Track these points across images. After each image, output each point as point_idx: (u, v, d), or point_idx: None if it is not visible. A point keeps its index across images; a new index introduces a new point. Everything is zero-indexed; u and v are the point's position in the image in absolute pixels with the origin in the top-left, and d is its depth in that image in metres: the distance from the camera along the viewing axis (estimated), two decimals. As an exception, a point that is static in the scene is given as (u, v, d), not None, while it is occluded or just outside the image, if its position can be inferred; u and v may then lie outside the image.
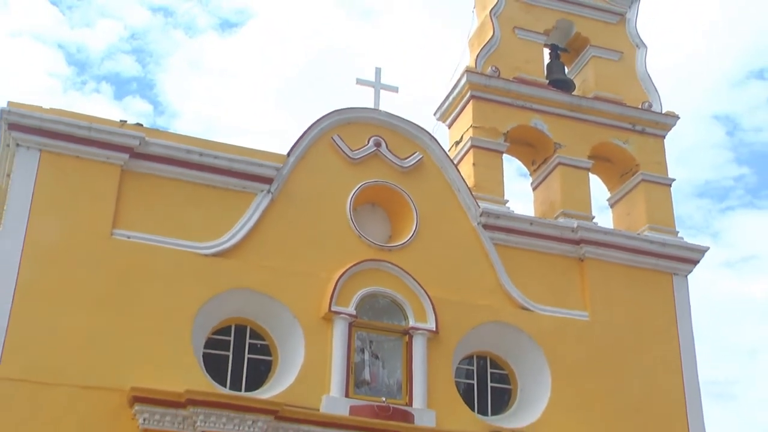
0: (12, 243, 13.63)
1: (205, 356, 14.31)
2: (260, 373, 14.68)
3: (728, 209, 52.88)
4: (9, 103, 14.05)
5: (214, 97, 53.59)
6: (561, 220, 16.83)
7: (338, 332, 14.62)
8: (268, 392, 14.20)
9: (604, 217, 18.18)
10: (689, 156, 48.43)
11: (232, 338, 14.72)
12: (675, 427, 15.96)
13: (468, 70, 17.46)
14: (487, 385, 15.86)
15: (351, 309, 14.76)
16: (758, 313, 52.28)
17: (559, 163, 17.46)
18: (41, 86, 48.62)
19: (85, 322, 13.53)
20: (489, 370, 15.96)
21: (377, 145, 16.12)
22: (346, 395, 14.38)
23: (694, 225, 50.16)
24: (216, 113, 52.39)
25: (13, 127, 14.06)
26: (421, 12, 50.85)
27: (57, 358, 13.18)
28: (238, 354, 14.67)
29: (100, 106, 47.51)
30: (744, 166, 53.36)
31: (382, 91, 16.76)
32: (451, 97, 17.90)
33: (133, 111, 50.28)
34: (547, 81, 18.21)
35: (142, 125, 15.06)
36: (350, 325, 14.76)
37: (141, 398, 13.04)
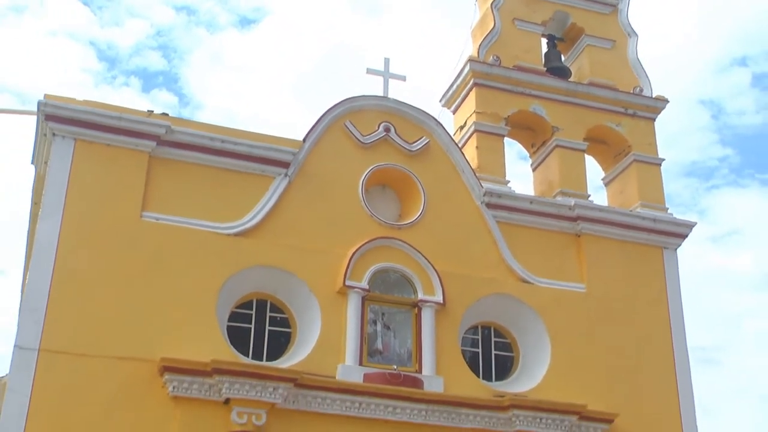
0: (50, 225, 13.74)
1: (229, 329, 14.42)
2: (280, 344, 14.77)
3: (713, 188, 53.10)
4: (45, 95, 14.12)
5: (234, 89, 53.78)
6: (559, 199, 16.90)
7: (352, 305, 14.73)
8: (287, 361, 14.32)
9: (599, 196, 18.29)
10: (677, 138, 48.60)
11: (253, 312, 14.79)
12: (665, 390, 16.08)
13: (471, 60, 17.53)
14: (491, 353, 15.93)
15: (364, 283, 14.86)
16: (741, 284, 52.58)
17: (557, 146, 17.54)
18: (75, 81, 49.00)
19: (118, 298, 13.65)
20: (493, 339, 16.03)
21: (387, 130, 16.17)
22: (360, 364, 14.48)
23: (683, 203, 50.42)
24: (236, 105, 52.62)
25: (49, 117, 14.14)
26: (425, 6, 50.97)
27: (93, 332, 13.32)
28: (259, 326, 14.75)
29: (129, 99, 47.81)
30: (728, 148, 53.56)
31: (390, 80, 16.77)
32: (455, 85, 17.96)
33: (160, 103, 50.51)
34: (545, 69, 18.24)
35: (167, 115, 15.09)
36: (363, 299, 14.86)
37: (170, 368, 13.18)
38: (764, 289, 52.13)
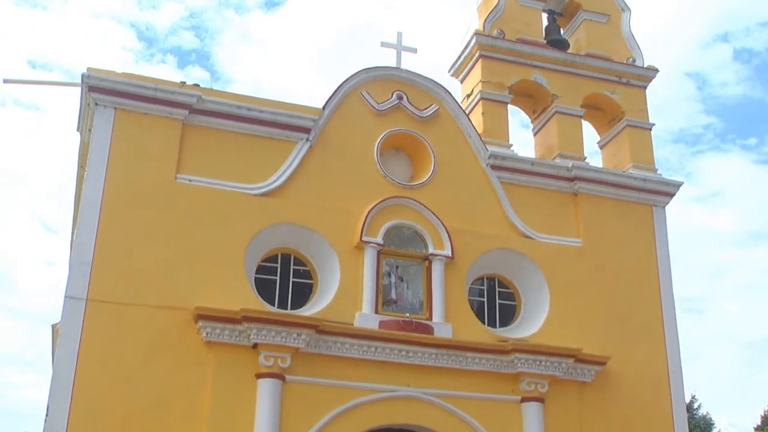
0: (94, 187, 13.88)
1: (257, 280, 14.57)
2: (303, 294, 14.91)
3: (698, 153, 53.40)
4: (88, 68, 14.18)
5: (260, 65, 54.06)
6: (558, 161, 16.96)
7: (368, 259, 14.85)
8: (309, 310, 14.47)
9: (594, 158, 18.39)
10: (666, 108, 48.79)
11: (278, 265, 14.93)
12: (653, 335, 16.25)
13: (477, 33, 17.52)
14: (495, 301, 16.08)
15: (379, 239, 14.97)
16: (723, 240, 53.05)
17: (556, 112, 17.57)
18: (117, 59, 49.43)
19: (157, 253, 13.79)
20: (497, 289, 16.18)
21: (399, 98, 16.20)
22: (376, 312, 14.63)
23: (670, 167, 50.72)
24: (262, 79, 52.95)
25: (92, 89, 14.20)
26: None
27: (134, 283, 13.50)
28: (284, 278, 14.89)
29: (166, 75, 48.24)
30: (712, 116, 53.85)
31: (402, 53, 16.77)
32: (462, 57, 17.95)
33: (193, 78, 50.96)
34: (546, 41, 18.22)
35: (198, 86, 15.08)
36: (379, 253, 14.99)
37: (204, 316, 13.35)
38: (744, 244, 52.50)
